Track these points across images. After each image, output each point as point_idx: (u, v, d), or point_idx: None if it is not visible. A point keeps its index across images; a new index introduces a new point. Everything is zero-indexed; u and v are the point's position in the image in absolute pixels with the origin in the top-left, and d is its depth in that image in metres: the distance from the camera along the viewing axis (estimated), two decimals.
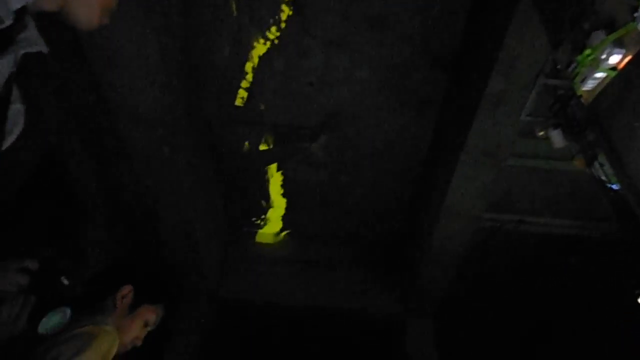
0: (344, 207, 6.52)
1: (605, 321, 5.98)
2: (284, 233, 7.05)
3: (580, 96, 2.20)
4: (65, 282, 1.01)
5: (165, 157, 4.60)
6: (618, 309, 5.49)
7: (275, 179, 6.22)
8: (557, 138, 2.44)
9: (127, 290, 1.22)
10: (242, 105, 5.28)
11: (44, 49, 0.85)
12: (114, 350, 1.04)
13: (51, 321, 0.97)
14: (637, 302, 5.53)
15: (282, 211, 6.70)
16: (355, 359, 7.20)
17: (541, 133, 2.62)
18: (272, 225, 6.97)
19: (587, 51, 1.83)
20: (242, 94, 5.19)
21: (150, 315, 1.22)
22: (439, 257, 5.64)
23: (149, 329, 1.23)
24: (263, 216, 6.86)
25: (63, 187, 4.68)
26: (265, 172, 6.11)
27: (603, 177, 2.45)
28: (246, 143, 5.71)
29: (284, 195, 6.47)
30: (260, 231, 7.12)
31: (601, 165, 2.41)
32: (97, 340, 1.00)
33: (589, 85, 1.95)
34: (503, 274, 6.73)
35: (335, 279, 6.99)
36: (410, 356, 6.45)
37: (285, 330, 6.99)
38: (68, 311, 1.05)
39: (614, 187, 2.54)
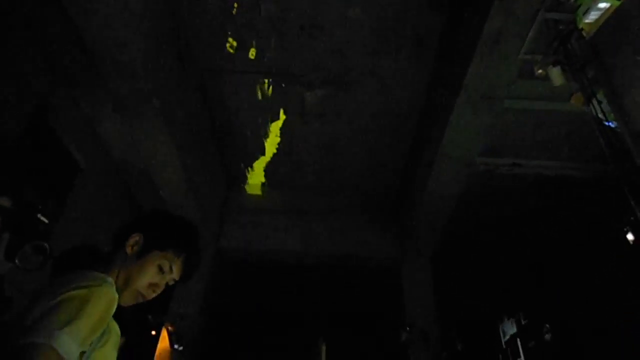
0: (340, 156, 6.51)
1: (597, 259, 6.16)
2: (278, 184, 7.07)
3: (582, 29, 2.13)
4: (44, 219, 1.00)
5: (156, 110, 4.50)
6: (609, 247, 5.65)
7: (270, 130, 6.14)
8: (556, 75, 2.39)
9: (137, 237, 1.19)
10: (233, 53, 5.09)
11: None
12: (114, 305, 1.01)
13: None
14: (627, 239, 5.74)
15: (276, 162, 6.69)
16: (352, 302, 7.51)
17: (540, 71, 2.55)
18: (266, 176, 6.99)
19: None
20: (232, 42, 4.99)
21: (161, 260, 1.18)
22: (434, 201, 5.72)
23: (168, 277, 1.19)
24: (257, 167, 6.86)
25: (53, 141, 4.62)
26: (260, 122, 6.02)
27: (600, 115, 2.43)
28: (239, 93, 5.57)
29: (279, 145, 6.42)
30: (255, 182, 7.15)
31: (599, 102, 2.38)
32: (90, 304, 0.95)
33: (592, 16, 1.87)
34: (497, 216, 6.88)
35: (332, 227, 7.13)
36: (407, 297, 6.70)
37: (284, 276, 7.21)
38: (46, 246, 1.04)
39: (611, 124, 2.53)
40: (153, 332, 6.19)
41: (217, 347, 7.12)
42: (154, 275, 1.17)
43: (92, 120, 5.45)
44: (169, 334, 5.77)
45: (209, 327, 6.29)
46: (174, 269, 1.20)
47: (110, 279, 1.06)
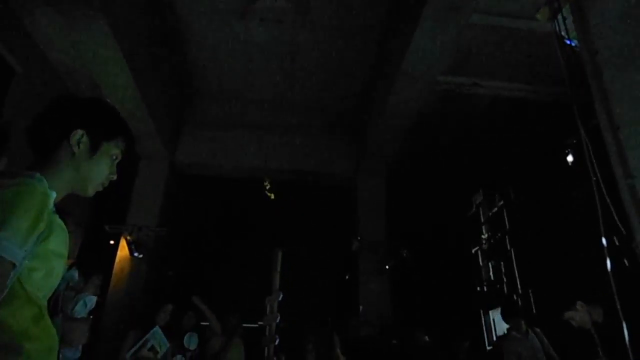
0: (301, 70, 6.24)
1: (544, 179, 6.54)
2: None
3: None
4: None
5: (95, 7, 4.00)
6: (556, 168, 6.02)
7: (226, 38, 5.70)
8: None
9: (79, 133, 1.11)
10: None
11: None
12: (46, 199, 0.97)
13: None
14: (566, 161, 6.14)
15: (233, 74, 6.34)
16: (308, 215, 7.79)
17: None
18: (222, 89, 6.65)
19: None
20: None
21: (112, 150, 1.18)
22: (392, 120, 5.75)
23: (117, 160, 1.21)
24: (213, 80, 6.48)
25: None
26: (214, 29, 5.55)
27: (563, 32, 2.43)
28: None
29: (236, 56, 6.03)
30: (211, 95, 6.82)
31: (564, 18, 2.37)
32: (19, 202, 0.91)
33: None
34: (451, 137, 7.07)
35: (290, 143, 7.10)
36: (360, 211, 7.01)
37: (241, 191, 7.26)
38: None
39: (571, 43, 2.54)
40: (111, 242, 6.22)
41: (176, 255, 7.31)
42: (111, 166, 1.20)
43: (25, 20, 4.83)
44: (128, 243, 5.82)
45: (167, 237, 6.38)
46: (124, 147, 1.23)
47: (38, 175, 0.99)
